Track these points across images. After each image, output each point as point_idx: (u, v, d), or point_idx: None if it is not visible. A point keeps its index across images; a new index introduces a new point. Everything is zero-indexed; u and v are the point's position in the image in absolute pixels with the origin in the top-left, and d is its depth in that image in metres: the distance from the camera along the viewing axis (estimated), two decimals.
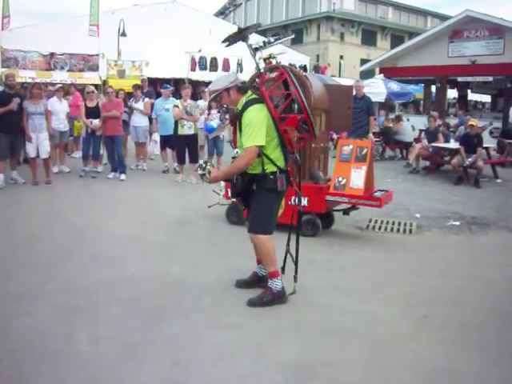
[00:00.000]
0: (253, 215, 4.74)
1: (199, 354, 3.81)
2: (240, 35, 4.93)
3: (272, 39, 4.95)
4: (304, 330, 4.26)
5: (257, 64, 4.80)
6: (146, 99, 12.70)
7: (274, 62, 4.78)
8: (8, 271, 5.45)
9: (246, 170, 4.57)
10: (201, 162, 4.77)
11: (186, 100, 10.98)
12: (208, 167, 4.65)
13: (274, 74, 4.62)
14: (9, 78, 10.36)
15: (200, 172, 4.67)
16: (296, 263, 4.90)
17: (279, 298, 4.72)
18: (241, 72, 26.34)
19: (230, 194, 4.99)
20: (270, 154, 4.53)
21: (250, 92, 4.68)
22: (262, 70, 4.72)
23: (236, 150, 4.77)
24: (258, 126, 4.41)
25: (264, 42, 4.89)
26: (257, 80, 4.66)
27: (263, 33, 44.04)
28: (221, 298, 4.82)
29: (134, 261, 5.87)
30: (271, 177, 4.54)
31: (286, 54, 4.79)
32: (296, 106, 4.44)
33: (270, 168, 4.54)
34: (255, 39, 4.91)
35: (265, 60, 4.81)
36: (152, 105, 12.58)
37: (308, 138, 4.78)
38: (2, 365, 3.60)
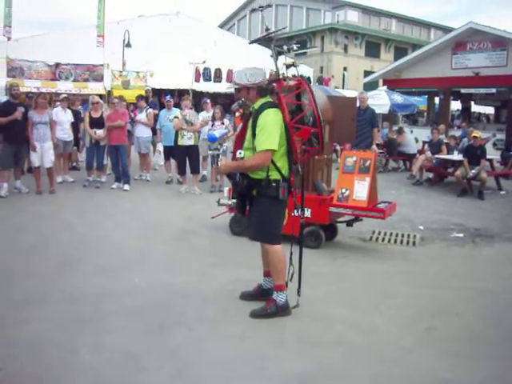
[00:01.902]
0: (255, 223, 4.73)
1: (202, 365, 3.80)
2: (268, 35, 4.92)
3: (295, 47, 4.95)
4: (307, 342, 4.24)
5: (277, 69, 4.81)
6: (150, 110, 12.72)
7: (295, 71, 4.79)
8: (12, 279, 5.46)
9: (250, 172, 4.58)
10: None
11: (184, 110, 11.02)
12: (223, 149, 4.70)
13: (292, 83, 4.63)
14: (13, 88, 10.43)
15: (214, 152, 4.71)
16: (299, 276, 4.88)
17: (282, 310, 4.70)
18: None
19: (231, 195, 4.95)
20: (276, 161, 4.51)
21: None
22: (281, 76, 4.74)
23: (239, 150, 4.75)
24: (274, 129, 4.42)
25: (288, 48, 4.89)
26: (274, 85, 4.65)
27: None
28: (224, 309, 4.82)
29: (138, 270, 5.87)
30: (274, 184, 4.52)
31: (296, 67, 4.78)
32: (311, 118, 4.45)
33: (274, 175, 4.53)
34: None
35: (287, 66, 4.82)
36: (155, 116, 12.63)
37: (312, 151, 4.74)
38: (2, 373, 3.60)
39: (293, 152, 4.55)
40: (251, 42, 5.44)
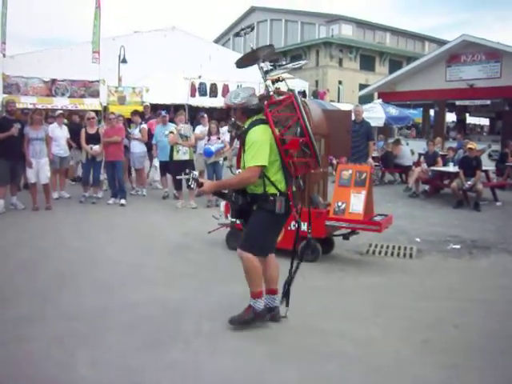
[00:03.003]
0: (244, 232, 4.75)
1: (199, 380, 3.80)
2: (253, 56, 4.96)
3: (283, 62, 5.00)
4: (304, 354, 4.24)
5: (266, 86, 4.84)
6: (143, 125, 12.77)
7: (281, 85, 4.81)
8: (7, 296, 5.44)
9: (242, 188, 4.59)
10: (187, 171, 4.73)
11: (179, 125, 11.08)
12: (194, 174, 4.65)
13: (281, 97, 4.65)
14: (9, 104, 10.46)
15: (184, 177, 4.66)
16: (288, 287, 4.92)
17: (260, 317, 4.72)
18: None
19: (230, 215, 4.94)
20: (271, 176, 4.53)
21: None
22: (270, 93, 4.76)
23: (238, 170, 4.77)
24: (261, 146, 4.43)
25: (275, 64, 4.93)
26: (265, 102, 4.67)
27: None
28: (221, 324, 4.80)
29: (134, 286, 5.86)
30: (272, 198, 4.53)
31: (286, 80, 4.81)
32: (298, 129, 4.44)
33: (271, 190, 4.54)
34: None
35: (273, 82, 4.84)
36: (149, 131, 12.69)
37: (311, 162, 4.70)
38: None
39: (287, 166, 4.56)
40: (237, 62, 5.40)
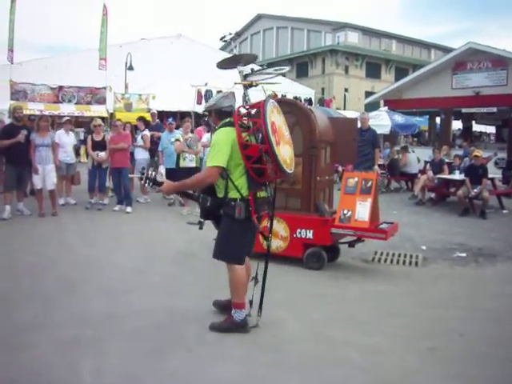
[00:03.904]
0: (216, 241, 4.80)
1: None
2: (233, 61, 5.11)
3: (261, 67, 5.14)
4: (309, 363, 4.22)
5: (245, 92, 4.96)
6: (144, 132, 12.82)
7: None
8: (13, 302, 5.44)
9: (202, 187, 4.65)
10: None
11: (187, 133, 11.13)
12: (149, 173, 4.70)
13: (254, 103, 4.76)
14: (16, 111, 10.51)
15: (137, 176, 4.74)
16: (262, 296, 4.90)
17: (239, 327, 4.75)
18: None
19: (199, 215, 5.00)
20: (235, 179, 4.56)
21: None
22: (247, 99, 4.88)
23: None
24: (221, 147, 4.49)
25: (252, 69, 5.05)
26: (238, 107, 4.78)
27: (268, 66, 44.57)
28: (225, 331, 4.79)
29: (139, 293, 5.85)
30: (232, 203, 4.55)
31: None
32: (260, 135, 4.44)
33: (232, 194, 4.57)
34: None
35: (245, 86, 4.96)
36: (153, 137, 12.76)
37: (275, 169, 4.54)
38: None
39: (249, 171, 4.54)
40: (218, 64, 5.63)
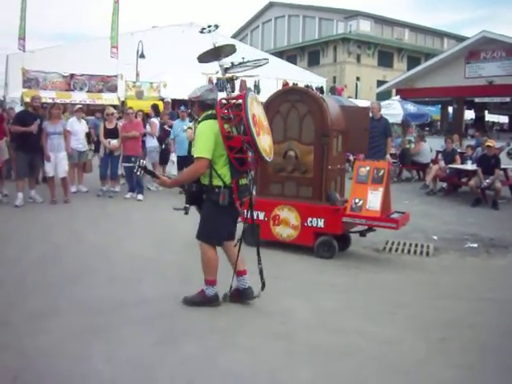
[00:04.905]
0: (199, 223, 5.09)
1: (213, 376, 3.80)
2: (214, 54, 5.25)
3: (242, 61, 5.24)
4: (319, 352, 4.22)
5: (227, 84, 5.10)
6: (152, 120, 12.87)
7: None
8: (25, 289, 5.48)
9: (195, 179, 4.90)
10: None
11: None
12: (142, 162, 4.92)
13: (235, 95, 4.94)
14: (35, 100, 10.58)
15: (129, 165, 4.91)
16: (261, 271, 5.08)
17: (210, 302, 5.03)
18: (258, 93, 26.47)
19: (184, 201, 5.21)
20: (218, 169, 4.82)
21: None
22: (229, 91, 5.04)
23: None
24: (205, 138, 4.75)
25: (232, 62, 5.18)
26: (220, 99, 4.93)
27: (280, 54, 44.42)
28: (235, 320, 4.81)
29: (150, 281, 5.88)
30: (216, 190, 4.83)
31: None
32: (242, 127, 4.67)
33: (216, 182, 4.85)
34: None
35: (227, 80, 5.13)
36: (162, 125, 12.88)
37: (258, 158, 4.86)
38: (17, 382, 3.61)
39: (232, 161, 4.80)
40: (198, 58, 5.73)
